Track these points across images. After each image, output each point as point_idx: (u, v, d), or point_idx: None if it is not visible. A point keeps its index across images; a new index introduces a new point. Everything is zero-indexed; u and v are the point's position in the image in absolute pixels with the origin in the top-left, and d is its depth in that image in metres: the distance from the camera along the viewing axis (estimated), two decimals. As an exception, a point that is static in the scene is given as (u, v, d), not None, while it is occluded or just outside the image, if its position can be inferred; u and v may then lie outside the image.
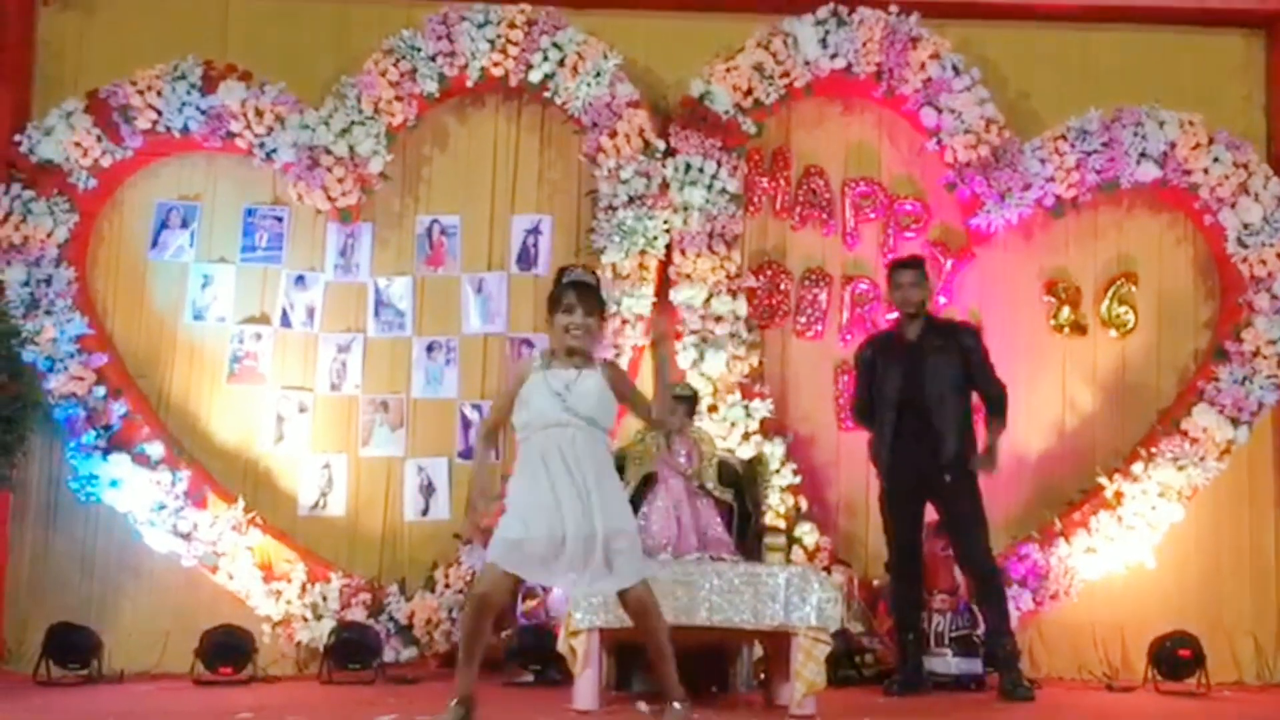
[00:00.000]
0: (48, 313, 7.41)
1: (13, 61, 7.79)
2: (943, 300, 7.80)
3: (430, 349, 7.83)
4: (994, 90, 7.77)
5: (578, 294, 4.81)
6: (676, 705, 4.85)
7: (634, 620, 4.88)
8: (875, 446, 6.74)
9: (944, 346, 6.63)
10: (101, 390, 7.41)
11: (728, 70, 7.69)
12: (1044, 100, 8.01)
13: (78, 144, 7.59)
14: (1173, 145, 7.66)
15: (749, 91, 7.69)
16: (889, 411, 6.60)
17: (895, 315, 7.32)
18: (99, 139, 7.61)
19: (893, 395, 6.59)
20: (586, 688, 5.58)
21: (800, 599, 5.54)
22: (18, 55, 7.83)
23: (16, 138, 7.63)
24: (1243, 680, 7.51)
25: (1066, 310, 7.90)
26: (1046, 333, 7.92)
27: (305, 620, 7.29)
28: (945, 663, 6.80)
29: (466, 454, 7.70)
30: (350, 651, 7.03)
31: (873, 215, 7.96)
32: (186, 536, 7.34)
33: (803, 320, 7.89)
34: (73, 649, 6.91)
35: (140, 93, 7.58)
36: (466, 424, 7.75)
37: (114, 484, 7.33)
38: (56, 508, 7.57)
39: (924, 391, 6.54)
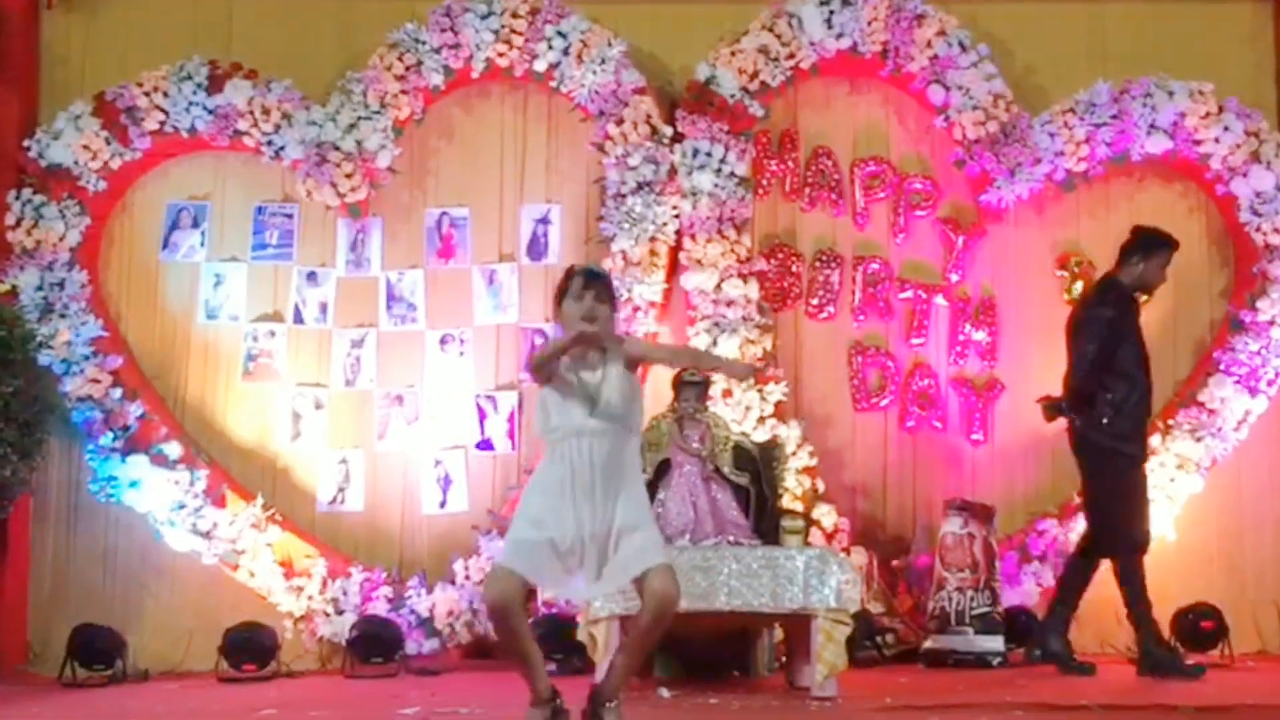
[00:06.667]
0: (62, 316, 7.45)
1: (18, 66, 7.81)
2: (955, 278, 7.79)
3: (443, 341, 7.83)
4: (1001, 66, 7.73)
5: (586, 281, 4.57)
6: (611, 704, 4.45)
7: (648, 613, 4.33)
8: (1118, 419, 6.28)
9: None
10: (118, 392, 7.44)
11: (733, 54, 7.67)
12: (1051, 74, 7.96)
13: (86, 147, 7.61)
14: (1182, 115, 7.62)
15: (755, 74, 7.67)
16: (1141, 380, 6.34)
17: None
18: (107, 141, 7.64)
19: (1138, 363, 6.33)
20: (608, 675, 5.58)
21: (819, 581, 5.55)
22: (23, 60, 7.85)
23: (25, 142, 7.67)
24: (1266, 650, 7.47)
25: (1080, 284, 7.85)
26: (1060, 307, 7.85)
27: (327, 615, 7.32)
28: (967, 640, 6.80)
29: (483, 445, 7.72)
30: (372, 645, 7.06)
31: (883, 195, 7.93)
32: (206, 535, 7.37)
33: (815, 302, 7.87)
34: (97, 650, 6.95)
35: (147, 94, 7.60)
36: (482, 415, 7.75)
37: (133, 485, 7.36)
38: (77, 510, 7.61)
39: (1149, 366, 6.44)
